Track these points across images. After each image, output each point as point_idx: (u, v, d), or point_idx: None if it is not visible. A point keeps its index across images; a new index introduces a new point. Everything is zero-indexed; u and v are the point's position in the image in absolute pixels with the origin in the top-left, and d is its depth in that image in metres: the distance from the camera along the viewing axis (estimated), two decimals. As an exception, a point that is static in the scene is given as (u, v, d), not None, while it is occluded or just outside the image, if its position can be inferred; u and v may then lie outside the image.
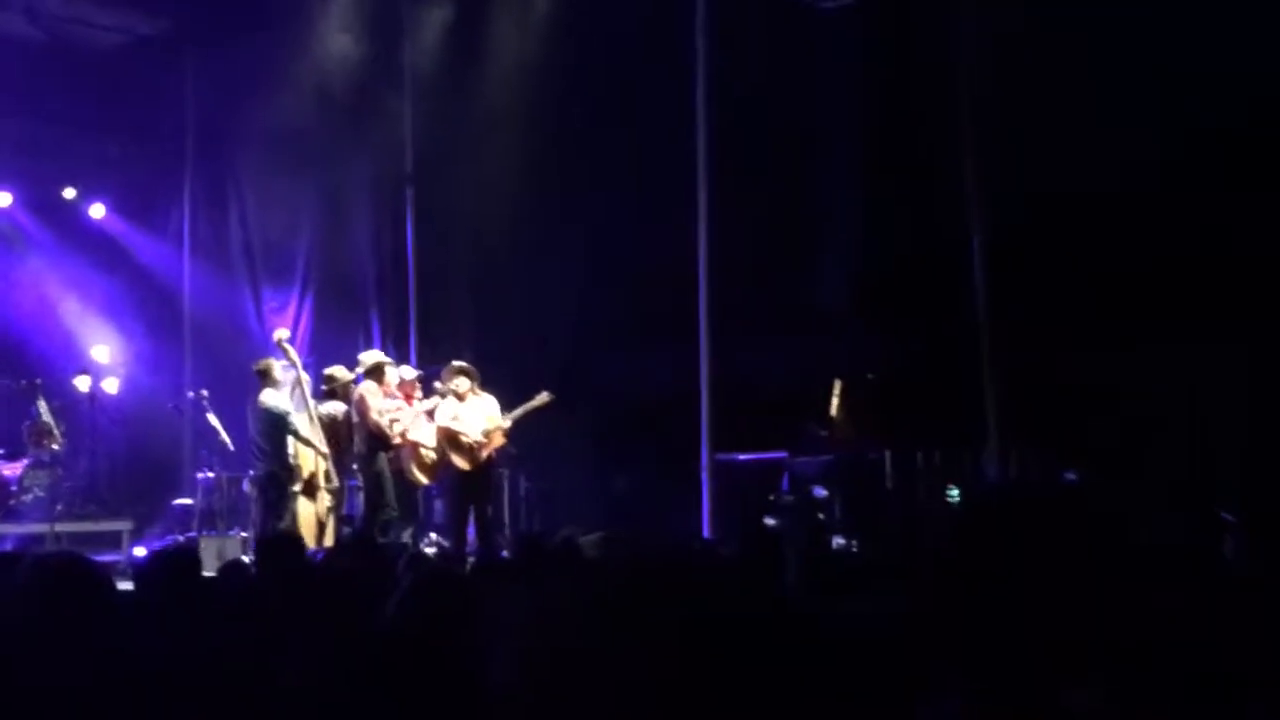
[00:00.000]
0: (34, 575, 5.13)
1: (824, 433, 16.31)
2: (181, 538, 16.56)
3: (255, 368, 14.74)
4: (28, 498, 16.99)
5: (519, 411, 15.49)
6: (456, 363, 15.43)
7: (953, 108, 16.34)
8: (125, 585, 8.77)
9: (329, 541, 14.87)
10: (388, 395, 15.21)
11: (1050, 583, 2.82)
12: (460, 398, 15.23)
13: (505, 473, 16.46)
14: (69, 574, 5.20)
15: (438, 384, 15.56)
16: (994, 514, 2.96)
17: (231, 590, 5.97)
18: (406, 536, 14.88)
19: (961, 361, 16.05)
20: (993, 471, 15.74)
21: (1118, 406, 14.25)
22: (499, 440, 15.41)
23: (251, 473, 14.95)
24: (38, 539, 16.05)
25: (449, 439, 15.13)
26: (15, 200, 19.77)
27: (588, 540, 10.48)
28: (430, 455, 15.35)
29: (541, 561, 7.51)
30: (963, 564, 2.96)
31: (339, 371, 15.38)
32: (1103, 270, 14.94)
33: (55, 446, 17.15)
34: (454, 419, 15.17)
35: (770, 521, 15.62)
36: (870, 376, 16.57)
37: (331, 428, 14.96)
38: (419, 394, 15.73)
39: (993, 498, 3.04)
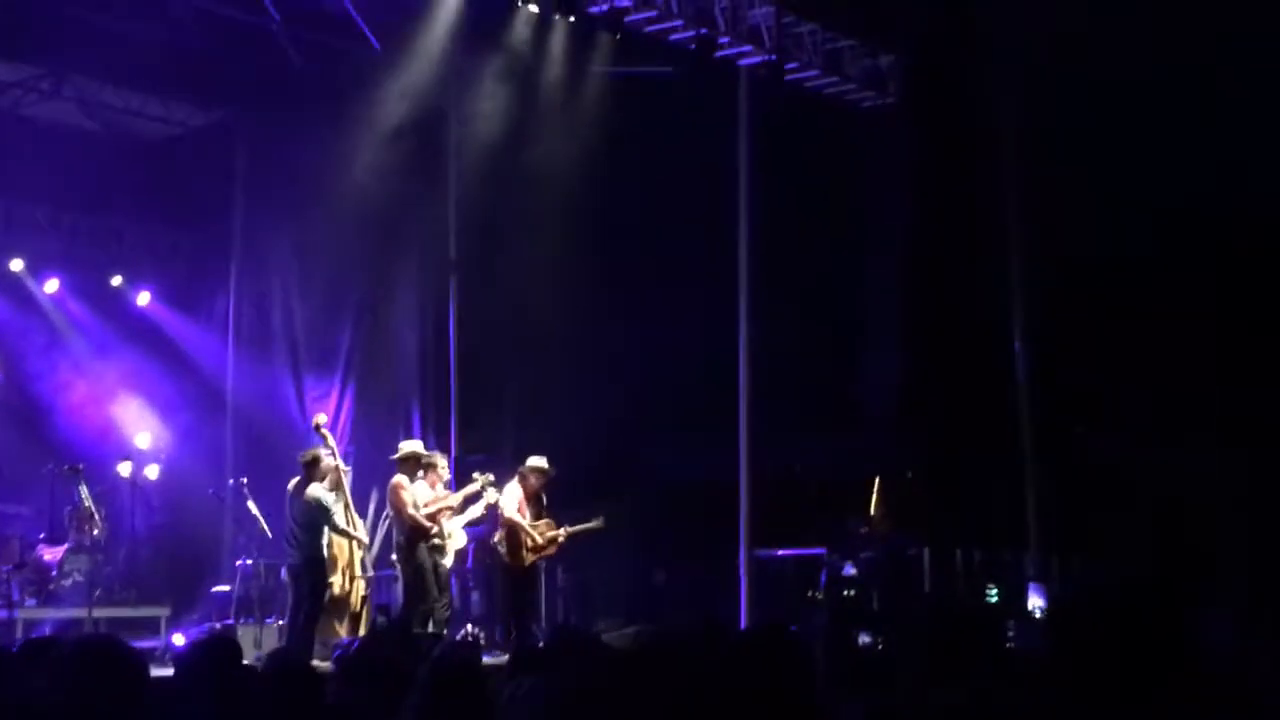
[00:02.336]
0: (73, 659, 5.15)
1: (863, 529, 16.27)
2: (219, 625, 16.55)
3: (302, 458, 14.68)
4: (67, 582, 17.02)
5: (576, 529, 15.62)
6: (539, 460, 15.47)
7: (996, 208, 16.42)
8: (163, 672, 8.81)
9: (363, 630, 14.85)
10: (433, 485, 15.25)
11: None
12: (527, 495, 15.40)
13: (543, 564, 16.40)
14: (107, 658, 5.22)
15: (474, 483, 15.53)
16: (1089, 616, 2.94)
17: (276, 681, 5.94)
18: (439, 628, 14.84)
19: (1002, 462, 16.04)
20: (1033, 572, 15.68)
21: (1161, 508, 14.17)
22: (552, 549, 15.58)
23: (288, 561, 14.91)
24: (75, 623, 16.07)
25: (515, 532, 15.32)
26: (62, 286, 19.93)
27: (622, 635, 10.47)
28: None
29: (572, 652, 7.48)
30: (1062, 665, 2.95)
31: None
32: (1147, 372, 14.92)
33: (96, 532, 17.18)
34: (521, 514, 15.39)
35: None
36: (909, 474, 16.55)
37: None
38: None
39: (1085, 599, 3.02)
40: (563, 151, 18.04)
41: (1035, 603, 15.48)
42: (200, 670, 6.00)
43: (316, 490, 14.35)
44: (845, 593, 15.43)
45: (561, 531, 15.58)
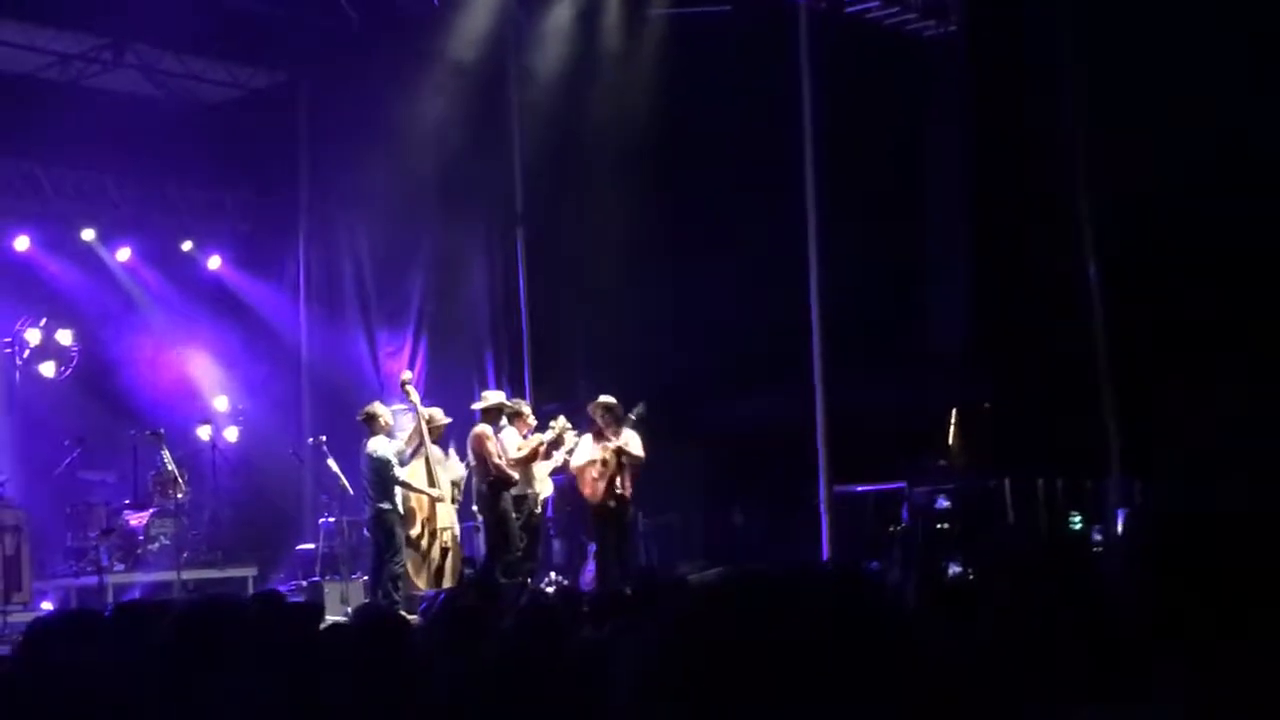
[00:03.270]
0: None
1: (942, 462, 16.21)
2: (305, 583, 16.72)
3: (361, 415, 14.86)
4: (154, 546, 17.25)
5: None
6: (606, 398, 15.35)
7: (1064, 133, 16.23)
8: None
9: (449, 583, 14.94)
10: (522, 433, 15.29)
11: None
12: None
13: (635, 512, 16.25)
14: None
15: (554, 423, 15.52)
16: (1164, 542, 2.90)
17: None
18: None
19: (1081, 389, 15.90)
20: (1116, 499, 15.57)
21: (1243, 430, 14.01)
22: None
23: (366, 516, 15.05)
24: (164, 586, 16.29)
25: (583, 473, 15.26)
26: (134, 254, 20.13)
27: (706, 575, 10.45)
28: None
29: (658, 596, 7.50)
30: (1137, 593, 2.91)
31: (438, 415, 15.41)
32: (1223, 295, 14.75)
33: (180, 495, 17.39)
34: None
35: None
36: (986, 405, 16.46)
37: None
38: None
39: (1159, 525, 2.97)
40: (624, 97, 17.97)
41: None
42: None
43: (375, 444, 14.55)
44: (939, 526, 15.34)
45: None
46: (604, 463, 15.08)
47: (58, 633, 5.50)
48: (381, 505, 14.49)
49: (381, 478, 14.50)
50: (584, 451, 15.24)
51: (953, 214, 17.65)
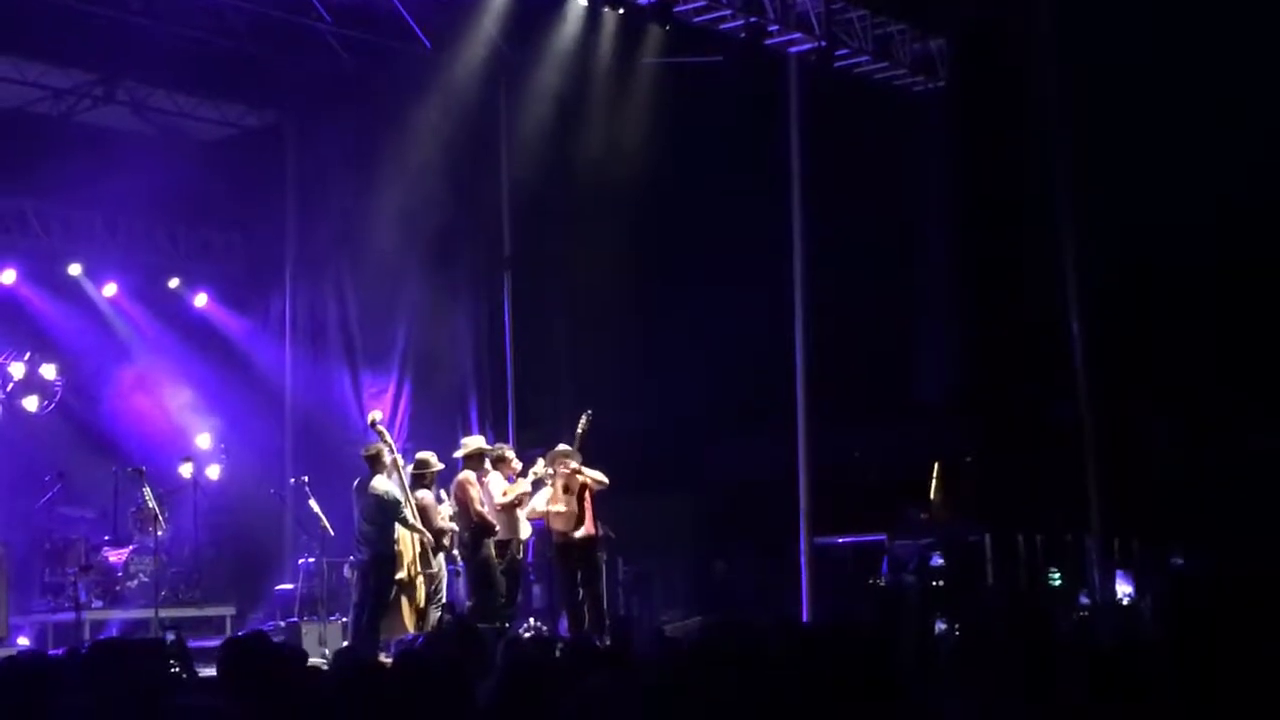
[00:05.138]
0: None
1: (923, 515, 16.23)
2: (283, 623, 16.64)
3: (365, 453, 14.56)
4: (133, 583, 17.17)
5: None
6: (565, 447, 15.27)
7: (1050, 189, 16.32)
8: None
9: (429, 627, 14.87)
10: (508, 477, 15.22)
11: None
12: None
13: (604, 556, 16.21)
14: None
15: (535, 469, 15.47)
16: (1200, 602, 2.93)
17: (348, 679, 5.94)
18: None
19: (1063, 445, 15.95)
20: (1096, 556, 15.59)
21: (1223, 492, 14.08)
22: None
23: (353, 558, 14.87)
24: (142, 624, 16.22)
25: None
26: (121, 290, 20.10)
27: (685, 625, 10.47)
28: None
29: (634, 646, 7.50)
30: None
31: (432, 459, 15.30)
32: (1204, 354, 14.82)
33: (160, 532, 17.29)
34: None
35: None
36: (968, 459, 16.50)
37: (423, 515, 14.88)
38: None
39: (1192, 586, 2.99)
40: (615, 143, 18.02)
41: (1124, 590, 15.32)
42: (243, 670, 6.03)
43: (384, 484, 14.30)
44: (935, 583, 15.28)
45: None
46: (565, 488, 15.00)
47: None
48: (385, 547, 14.33)
49: (387, 518, 14.30)
50: (541, 495, 15.19)
51: (938, 266, 17.73)
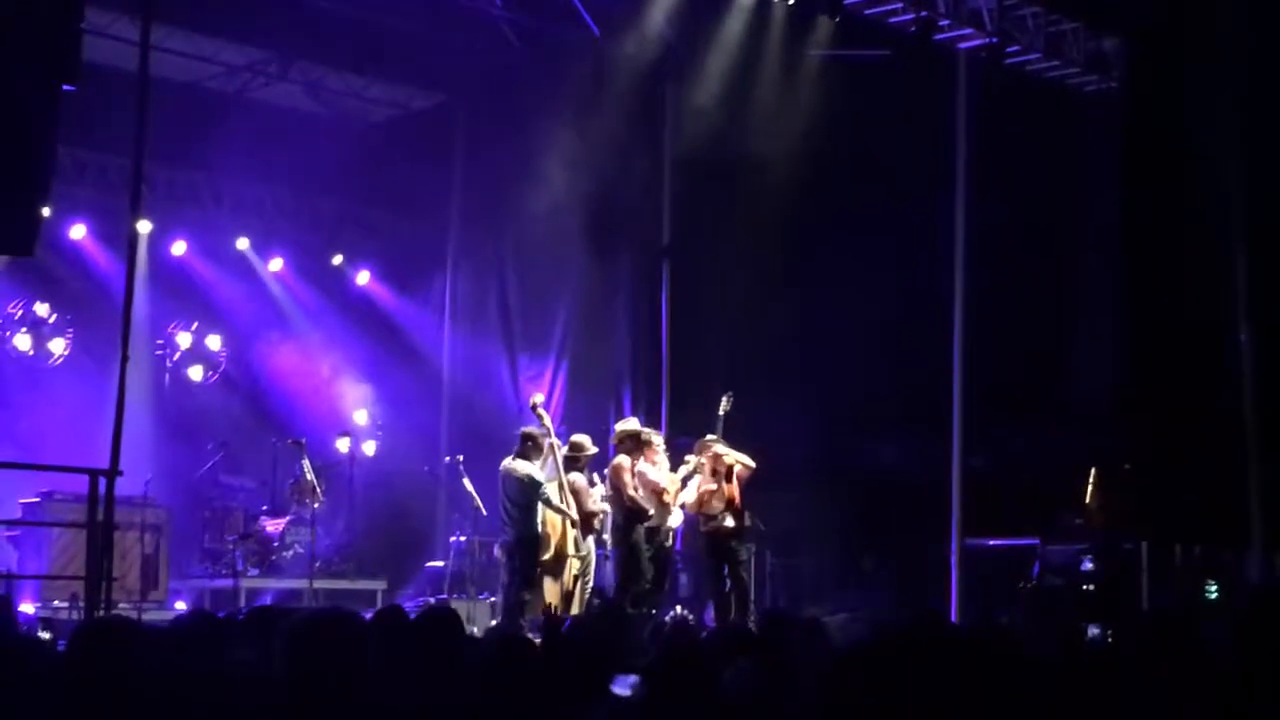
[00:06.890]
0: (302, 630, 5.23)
1: (1079, 521, 15.99)
2: (432, 600, 16.81)
3: (521, 433, 14.67)
4: (288, 553, 17.46)
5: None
6: (712, 436, 15.25)
7: (1220, 192, 15.98)
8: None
9: (576, 610, 14.93)
10: (652, 462, 15.20)
11: None
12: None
13: (752, 548, 16.11)
14: (332, 630, 5.30)
15: (684, 465, 15.43)
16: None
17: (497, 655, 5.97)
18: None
19: (1225, 457, 15.62)
20: (1255, 571, 15.26)
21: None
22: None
23: (502, 538, 14.98)
24: (296, 594, 16.49)
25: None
26: (286, 265, 20.45)
27: (833, 620, 10.40)
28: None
29: (785, 637, 7.45)
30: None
31: (586, 442, 15.32)
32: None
33: (316, 505, 17.55)
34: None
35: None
36: (1127, 467, 16.21)
37: (575, 497, 14.93)
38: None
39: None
40: (779, 136, 17.93)
41: None
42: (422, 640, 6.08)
43: (529, 467, 14.38)
44: (1085, 587, 15.07)
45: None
46: (713, 471, 14.97)
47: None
48: (529, 529, 14.41)
49: (532, 501, 14.33)
50: (691, 485, 15.15)
51: (1103, 268, 17.44)
